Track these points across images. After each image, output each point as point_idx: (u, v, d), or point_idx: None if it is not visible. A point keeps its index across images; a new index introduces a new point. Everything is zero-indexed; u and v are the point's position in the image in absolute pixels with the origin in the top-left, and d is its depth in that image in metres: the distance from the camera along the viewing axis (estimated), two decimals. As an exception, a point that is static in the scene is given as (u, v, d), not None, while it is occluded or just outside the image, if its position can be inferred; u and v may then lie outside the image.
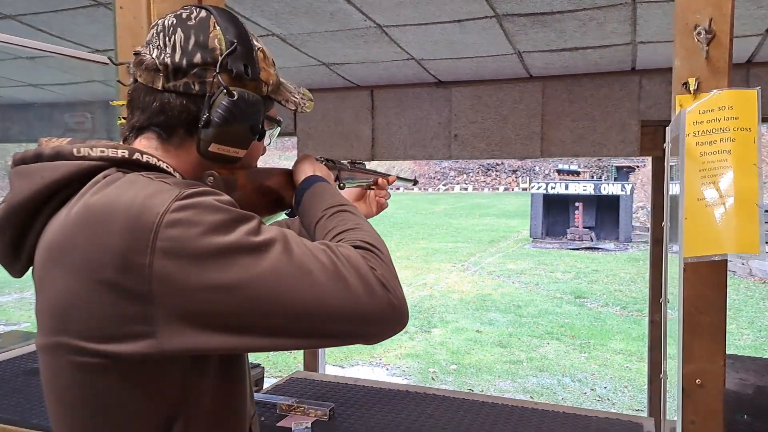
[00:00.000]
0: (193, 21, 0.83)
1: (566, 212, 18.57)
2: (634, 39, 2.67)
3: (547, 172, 42.14)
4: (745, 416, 1.44)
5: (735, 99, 0.93)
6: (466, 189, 44.01)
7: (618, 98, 3.31)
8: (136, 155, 0.78)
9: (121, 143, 0.82)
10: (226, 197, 0.74)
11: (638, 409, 5.17)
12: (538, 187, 18.72)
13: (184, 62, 0.81)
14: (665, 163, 0.95)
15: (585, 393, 5.66)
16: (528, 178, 39.96)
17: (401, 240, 17.34)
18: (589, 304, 9.46)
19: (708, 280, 1.02)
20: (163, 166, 0.81)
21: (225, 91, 0.80)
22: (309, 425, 1.62)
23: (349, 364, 6.60)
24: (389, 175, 1.28)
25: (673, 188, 1.03)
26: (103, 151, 0.76)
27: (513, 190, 41.95)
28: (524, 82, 3.42)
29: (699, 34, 0.96)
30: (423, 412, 1.73)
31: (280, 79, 0.93)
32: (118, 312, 0.69)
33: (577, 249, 16.00)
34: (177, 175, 0.82)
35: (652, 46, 2.75)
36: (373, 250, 0.77)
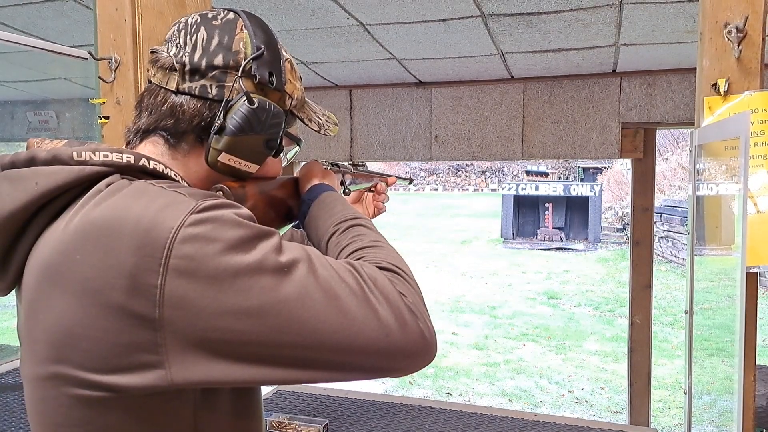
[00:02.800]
0: (219, 21, 0.76)
1: (536, 213, 18.78)
2: (617, 41, 2.66)
3: (516, 173, 42.60)
4: (763, 430, 1.41)
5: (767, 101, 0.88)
6: (436, 189, 44.21)
7: (598, 100, 3.31)
8: (143, 161, 0.69)
9: (124, 147, 0.73)
10: (245, 211, 0.65)
11: (616, 411, 5.19)
12: (509, 188, 18.90)
13: (204, 63, 0.73)
14: (692, 167, 0.90)
15: (563, 395, 5.67)
16: (497, 178, 40.36)
17: (374, 241, 17.27)
18: (563, 305, 9.54)
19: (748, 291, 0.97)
20: (172, 174, 0.72)
21: (245, 97, 0.73)
22: None
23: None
24: (389, 176, 1.20)
25: (701, 190, 0.97)
26: (106, 155, 0.67)
27: (482, 190, 42.30)
28: (505, 83, 3.40)
29: (730, 32, 0.90)
30: (421, 426, 1.66)
31: (305, 97, 0.84)
32: (125, 340, 0.59)
33: (548, 249, 16.19)
34: (186, 184, 0.72)
35: (634, 48, 2.75)
36: (399, 273, 0.69)
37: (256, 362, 0.61)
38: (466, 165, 46.23)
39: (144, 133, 0.76)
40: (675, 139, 19.24)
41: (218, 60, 0.73)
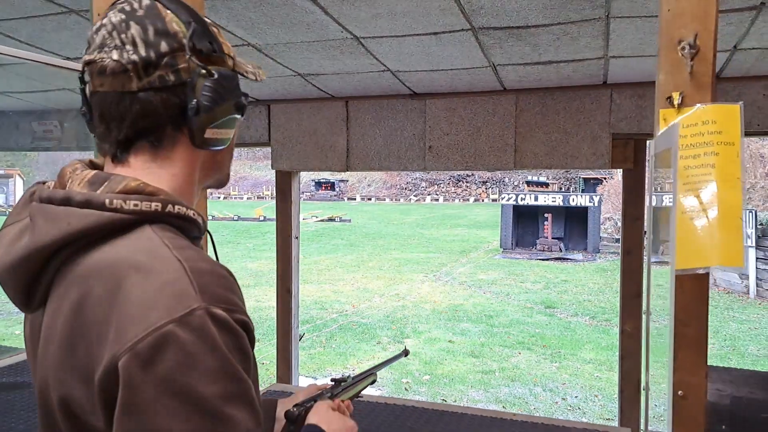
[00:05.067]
0: (142, 11, 0.77)
1: (536, 223, 18.84)
2: (606, 53, 2.72)
3: (516, 183, 42.68)
4: (724, 427, 1.47)
5: (718, 113, 0.94)
6: (437, 200, 44.26)
7: (589, 111, 3.37)
8: (168, 207, 0.74)
9: (142, 182, 0.76)
10: (242, 341, 0.69)
11: (609, 418, 5.23)
12: (508, 198, 18.96)
13: (153, 54, 0.75)
14: (648, 176, 0.96)
15: (556, 402, 5.71)
16: (498, 189, 40.44)
17: (373, 250, 17.32)
18: (559, 314, 9.58)
19: (691, 293, 1.03)
20: (191, 214, 0.77)
21: (204, 72, 0.77)
22: None
23: (322, 375, 6.55)
24: (370, 375, 1.34)
25: (655, 200, 1.04)
26: (136, 205, 0.72)
27: (483, 201, 42.36)
28: (498, 94, 3.46)
29: (683, 48, 0.97)
30: (403, 425, 1.72)
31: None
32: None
33: (547, 259, 16.22)
34: (199, 219, 0.79)
35: (623, 60, 2.81)
36: None
37: None
38: (467, 175, 46.34)
39: (125, 145, 0.78)
40: (674, 149, 19.31)
41: (163, 47, 0.75)
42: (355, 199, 45.41)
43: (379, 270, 14.05)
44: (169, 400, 0.62)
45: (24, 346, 0.86)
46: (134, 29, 0.76)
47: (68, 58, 2.55)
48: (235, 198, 45.27)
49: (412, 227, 24.45)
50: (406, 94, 3.49)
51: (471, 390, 6.04)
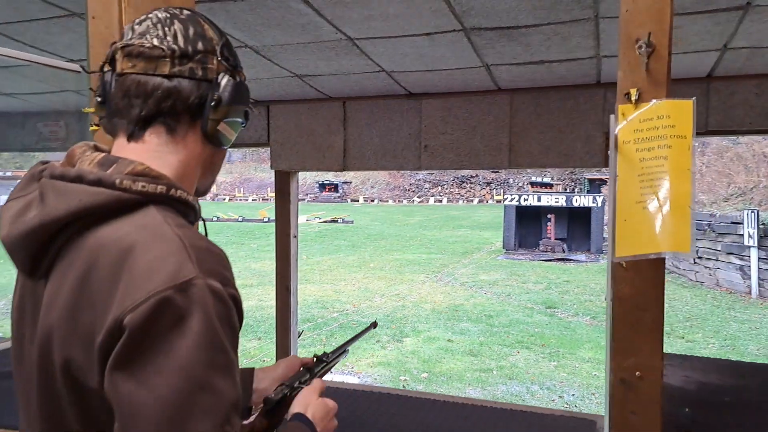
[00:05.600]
0: (184, 16, 0.89)
1: (539, 224, 18.82)
2: (598, 53, 2.76)
3: (521, 184, 42.63)
4: (687, 409, 1.53)
5: (672, 108, 1.01)
6: (440, 201, 44.26)
7: (583, 111, 3.41)
8: (172, 191, 0.83)
9: (147, 166, 0.84)
10: (230, 314, 0.76)
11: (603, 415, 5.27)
12: (511, 199, 18.95)
13: (189, 48, 0.87)
14: (611, 170, 1.03)
15: (553, 400, 5.76)
16: (502, 190, 40.39)
17: (375, 251, 17.38)
18: (560, 314, 9.62)
19: (648, 279, 1.09)
20: (190, 200, 0.85)
21: (228, 75, 0.89)
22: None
23: (322, 373, 6.59)
24: (345, 348, 1.41)
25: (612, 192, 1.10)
26: (144, 186, 0.80)
27: (487, 202, 42.32)
28: (493, 94, 3.51)
29: (640, 47, 1.04)
30: (386, 411, 1.79)
31: None
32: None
33: (549, 260, 16.24)
34: (197, 206, 0.88)
35: (615, 59, 2.84)
36: None
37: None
38: (471, 176, 46.29)
39: (145, 122, 0.87)
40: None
41: (200, 46, 0.88)
42: (358, 200, 45.46)
43: (381, 270, 14.11)
44: (159, 359, 0.69)
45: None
46: (177, 26, 0.88)
47: (72, 60, 2.62)
48: (240, 200, 45.36)
49: (414, 228, 24.50)
50: (402, 94, 3.54)
51: (468, 388, 6.10)
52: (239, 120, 0.92)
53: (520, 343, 7.87)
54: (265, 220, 25.67)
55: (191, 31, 0.88)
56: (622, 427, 1.11)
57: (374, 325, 1.60)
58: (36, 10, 2.12)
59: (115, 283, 0.73)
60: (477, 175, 47.16)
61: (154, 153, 0.87)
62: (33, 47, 2.49)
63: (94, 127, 1.35)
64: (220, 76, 0.88)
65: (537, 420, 1.74)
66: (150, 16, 0.89)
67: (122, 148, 0.88)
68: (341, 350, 1.38)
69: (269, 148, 3.76)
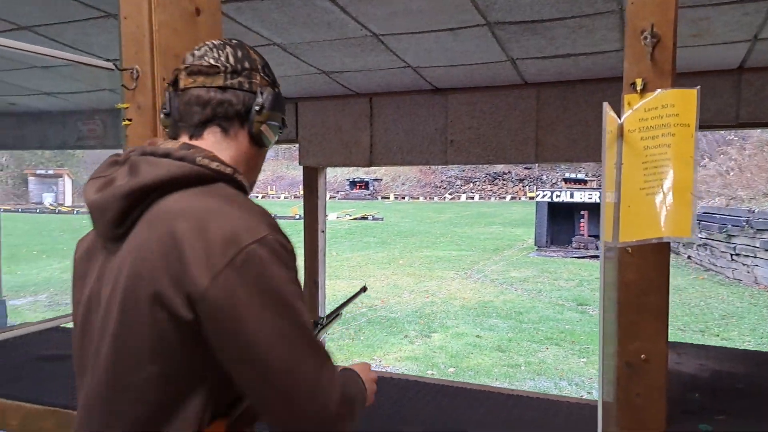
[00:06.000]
0: (233, 43, 1.11)
1: (571, 220, 18.56)
2: (623, 45, 2.74)
3: (554, 180, 42.08)
4: (696, 395, 1.53)
5: (677, 98, 1.03)
6: (472, 198, 44.00)
7: (611, 104, 3.39)
8: (236, 174, 1.04)
9: (199, 147, 1.04)
10: (296, 259, 0.97)
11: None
12: (543, 195, 18.73)
13: (239, 66, 1.08)
14: (618, 161, 1.05)
15: (581, 396, 5.72)
16: (535, 186, 39.92)
17: (404, 248, 17.41)
18: (591, 311, 9.51)
19: (652, 264, 1.11)
20: (246, 186, 1.06)
21: (270, 87, 1.11)
22: None
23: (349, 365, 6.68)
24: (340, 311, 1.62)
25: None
26: (218, 166, 1.01)
27: (520, 199, 41.89)
28: (519, 88, 3.50)
29: (645, 38, 1.06)
30: (402, 397, 1.84)
31: None
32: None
33: (582, 257, 16.02)
34: (249, 192, 1.07)
35: (640, 53, 2.83)
36: (351, 400, 1.00)
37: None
38: (504, 173, 45.86)
39: (203, 125, 1.08)
40: (718, 143, 18.83)
41: (246, 65, 1.09)
42: (388, 197, 45.51)
43: (410, 267, 14.13)
44: (258, 296, 0.89)
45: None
46: (228, 50, 1.10)
47: (109, 59, 2.73)
48: (272, 197, 45.87)
49: (445, 225, 24.44)
50: (428, 89, 3.57)
51: (495, 383, 6.07)
52: (277, 124, 1.13)
53: (550, 339, 7.82)
54: (297, 217, 25.94)
55: (239, 53, 1.10)
56: (627, 409, 1.13)
57: (364, 289, 1.75)
58: (74, 11, 2.22)
59: (204, 240, 0.89)
60: (509, 172, 46.70)
61: (212, 148, 1.06)
62: (72, 47, 2.61)
63: (127, 122, 1.43)
64: (262, 88, 1.09)
65: (552, 406, 1.77)
66: (206, 44, 1.11)
67: (196, 145, 1.07)
68: (335, 314, 1.54)
69: (298, 145, 3.83)
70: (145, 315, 0.91)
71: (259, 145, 1.12)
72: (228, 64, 1.08)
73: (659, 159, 1.00)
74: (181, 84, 1.08)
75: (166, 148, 1.02)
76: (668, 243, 1.03)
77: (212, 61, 1.07)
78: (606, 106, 0.92)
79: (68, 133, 4.34)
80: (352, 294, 1.70)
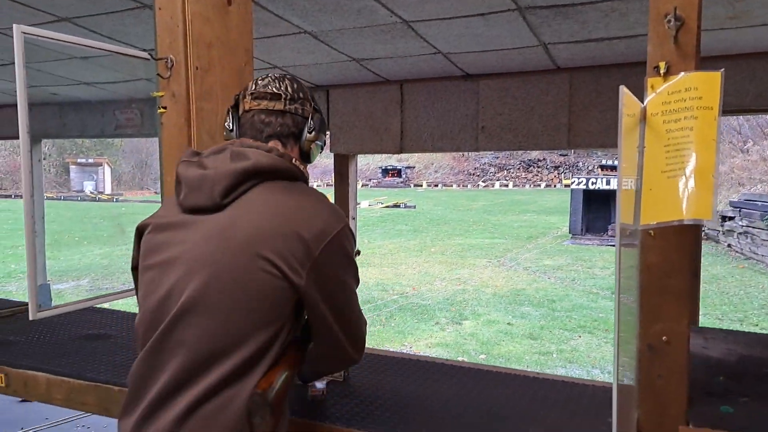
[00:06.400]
0: (290, 77, 1.37)
1: (607, 208, 18.24)
2: (655, 29, 2.69)
3: (591, 167, 41.36)
4: (721, 378, 1.53)
5: (700, 80, 1.02)
6: (506, 185, 43.60)
7: (645, 89, 3.33)
8: (307, 175, 1.34)
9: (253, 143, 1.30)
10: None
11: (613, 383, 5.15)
12: (578, 183, 18.45)
13: (297, 95, 1.35)
14: (640, 145, 1.05)
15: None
16: (570, 173, 39.31)
17: (436, 236, 17.39)
18: (625, 300, 9.36)
19: (674, 246, 1.11)
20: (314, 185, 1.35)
21: (319, 114, 1.40)
22: (324, 384, 1.78)
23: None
24: None
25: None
26: (304, 168, 1.34)
27: (555, 186, 41.34)
28: (551, 73, 3.47)
29: (669, 21, 1.05)
30: (428, 378, 1.88)
31: None
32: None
33: (629, 246, 15.72)
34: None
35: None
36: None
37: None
38: (539, 160, 45.27)
39: (269, 137, 1.33)
40: (762, 128, 18.24)
41: (301, 95, 1.36)
42: (421, 185, 45.41)
43: (442, 255, 14.13)
44: (344, 259, 1.25)
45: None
46: (287, 82, 1.36)
47: (145, 50, 2.80)
48: (305, 184, 46.08)
49: (478, 213, 24.31)
50: (459, 75, 3.56)
51: (526, 370, 6.07)
52: (321, 144, 1.40)
53: (583, 327, 7.74)
54: (330, 204, 26.03)
55: (295, 86, 1.36)
56: (649, 390, 1.14)
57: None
58: (112, 2, 2.28)
59: (314, 225, 1.20)
60: (544, 159, 46.08)
61: None
62: (109, 38, 2.69)
63: (162, 110, 1.49)
64: (312, 114, 1.37)
65: (576, 388, 1.78)
66: (268, 75, 1.36)
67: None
68: None
69: (329, 132, 3.87)
70: (255, 268, 1.15)
71: (306, 160, 1.38)
72: (288, 92, 1.34)
73: (681, 142, 1.00)
74: (246, 106, 1.34)
75: (270, 146, 1.29)
76: (691, 225, 1.03)
77: (275, 89, 1.33)
78: (623, 89, 0.93)
79: (107, 122, 4.46)
80: None
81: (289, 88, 1.34)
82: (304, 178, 1.32)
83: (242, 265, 1.16)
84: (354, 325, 1.29)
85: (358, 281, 1.30)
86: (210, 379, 1.13)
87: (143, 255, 1.28)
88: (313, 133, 1.36)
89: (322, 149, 1.42)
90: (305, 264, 1.17)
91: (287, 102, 1.33)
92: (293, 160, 1.30)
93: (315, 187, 1.48)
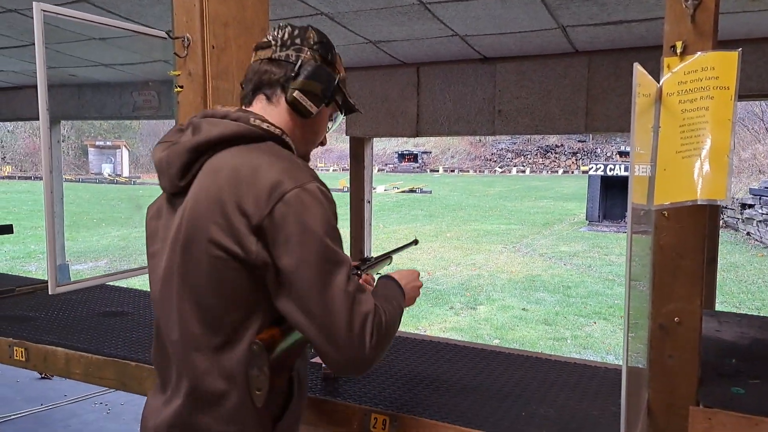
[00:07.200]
0: (298, 25, 1.21)
1: (625, 195, 17.94)
2: (676, 11, 2.65)
3: (609, 154, 40.93)
4: (734, 360, 1.52)
5: (717, 60, 1.01)
6: (523, 171, 43.30)
7: (665, 73, 3.28)
8: (284, 135, 1.15)
9: (252, 111, 1.16)
10: (335, 207, 1.07)
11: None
12: (596, 169, 18.26)
13: (289, 41, 1.17)
14: (655, 124, 1.04)
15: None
16: (588, 160, 38.93)
17: (452, 221, 17.36)
18: (641, 287, 9.30)
19: (688, 227, 1.11)
20: (293, 147, 1.16)
21: (313, 59, 1.16)
22: None
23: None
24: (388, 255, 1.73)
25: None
26: (268, 127, 1.13)
27: (573, 172, 40.98)
28: (569, 57, 3.42)
29: (686, 0, 1.04)
30: (440, 359, 1.91)
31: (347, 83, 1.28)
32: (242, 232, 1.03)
33: (636, 232, 15.60)
34: (294, 147, 1.16)
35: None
36: (383, 313, 1.08)
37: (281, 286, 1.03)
38: (556, 146, 44.85)
39: (252, 93, 1.19)
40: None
41: (297, 40, 1.17)
42: (437, 170, 45.26)
43: (457, 240, 14.11)
44: (298, 228, 1.00)
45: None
46: (288, 29, 1.19)
47: (162, 30, 2.82)
48: (321, 170, 46.35)
49: (494, 199, 24.20)
50: (476, 58, 3.53)
51: (539, 352, 6.07)
52: (319, 96, 1.16)
53: (598, 314, 7.72)
54: (345, 189, 26.13)
55: (296, 32, 1.18)
56: (660, 370, 1.14)
57: (415, 242, 1.84)
58: (130, -17, 2.30)
59: (255, 188, 1.02)
60: (562, 145, 45.63)
61: (260, 113, 1.16)
62: (127, 18, 2.70)
63: (178, 89, 1.50)
64: (306, 60, 1.16)
65: (587, 370, 1.79)
66: (288, 24, 1.21)
67: (247, 109, 1.19)
68: (385, 256, 1.65)
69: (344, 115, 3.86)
70: (203, 254, 1.05)
71: (299, 114, 1.17)
72: (279, 39, 1.17)
73: (697, 122, 0.99)
74: (251, 60, 1.22)
75: (224, 110, 1.14)
76: (705, 206, 1.03)
77: (270, 38, 1.19)
78: (637, 66, 0.92)
79: (124, 103, 4.49)
80: (404, 243, 1.79)
81: (285, 35, 1.18)
82: (274, 137, 1.13)
83: (195, 255, 1.07)
84: (327, 314, 0.99)
85: (326, 250, 1.01)
86: (200, 367, 1.09)
87: (146, 242, 1.25)
88: (299, 79, 1.14)
89: (326, 102, 1.19)
90: (249, 235, 1.02)
91: (278, 49, 1.17)
92: (254, 119, 1.12)
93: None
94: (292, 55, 1.16)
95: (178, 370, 1.13)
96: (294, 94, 1.15)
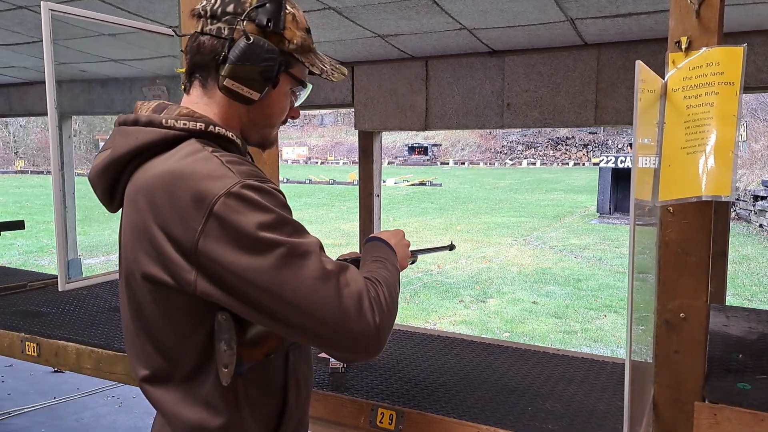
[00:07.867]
0: None
1: (636, 187, 17.89)
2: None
3: (620, 146, 40.62)
4: (740, 356, 1.52)
5: (722, 56, 1.00)
6: (534, 164, 43.12)
7: (675, 65, 3.25)
8: (210, 127, 0.95)
9: (191, 110, 0.98)
10: (279, 199, 0.89)
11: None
12: (607, 161, 18.16)
13: (219, 10, 0.96)
14: (660, 119, 1.04)
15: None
16: (599, 152, 38.67)
17: (462, 214, 17.33)
18: (651, 279, 9.26)
19: (693, 223, 1.10)
20: (230, 135, 0.97)
21: (244, 35, 0.94)
22: None
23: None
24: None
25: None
26: (185, 124, 0.93)
27: (584, 164, 40.76)
28: (579, 49, 3.40)
29: (692, -5, 1.03)
30: (448, 353, 1.91)
31: (312, 46, 1.04)
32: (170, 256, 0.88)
33: (647, 225, 15.52)
34: (239, 141, 0.99)
35: (707, 10, 2.70)
36: (379, 283, 0.94)
37: (249, 304, 0.87)
38: (567, 138, 44.62)
39: (189, 77, 1.01)
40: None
41: (230, 8, 0.95)
42: (447, 163, 45.16)
43: (467, 233, 14.09)
44: (236, 240, 0.84)
45: None
46: None
47: (170, 26, 2.82)
48: (331, 163, 46.38)
49: (504, 191, 24.13)
50: (485, 51, 3.52)
51: (546, 347, 6.06)
52: (258, 80, 0.95)
53: (608, 307, 7.69)
54: (355, 182, 26.20)
55: None
56: (665, 365, 1.14)
57: (451, 247, 1.62)
58: (137, -20, 2.30)
59: (177, 207, 0.86)
60: (573, 137, 45.38)
61: (196, 104, 1.00)
62: (135, 15, 2.71)
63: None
64: (240, 37, 0.94)
65: (595, 365, 1.79)
66: None
67: (183, 100, 1.03)
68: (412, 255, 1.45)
69: (353, 109, 3.87)
70: (143, 290, 0.93)
71: (240, 101, 0.97)
72: (208, 8, 0.96)
73: (701, 118, 0.98)
74: None
75: (135, 115, 0.96)
76: (710, 202, 1.03)
77: (200, 6, 0.98)
78: (639, 64, 0.91)
79: (134, 98, 4.51)
80: (438, 246, 1.61)
81: (217, 3, 0.96)
82: (195, 133, 0.94)
83: (136, 291, 0.95)
84: (312, 313, 0.85)
85: (292, 253, 0.85)
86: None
87: None
88: (228, 64, 0.93)
89: (272, 84, 0.98)
90: (183, 263, 0.87)
91: (208, 21, 0.96)
92: (166, 120, 0.93)
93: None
94: (224, 29, 0.94)
95: (157, 405, 1.00)
96: (224, 83, 0.94)
